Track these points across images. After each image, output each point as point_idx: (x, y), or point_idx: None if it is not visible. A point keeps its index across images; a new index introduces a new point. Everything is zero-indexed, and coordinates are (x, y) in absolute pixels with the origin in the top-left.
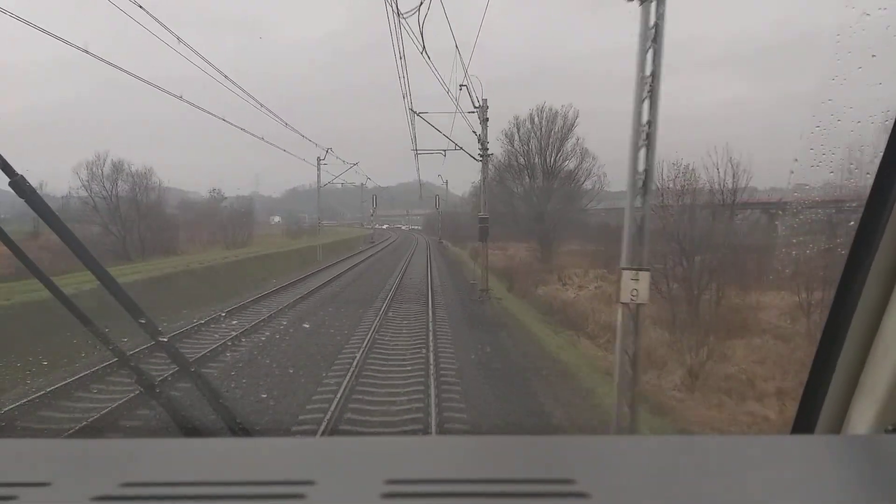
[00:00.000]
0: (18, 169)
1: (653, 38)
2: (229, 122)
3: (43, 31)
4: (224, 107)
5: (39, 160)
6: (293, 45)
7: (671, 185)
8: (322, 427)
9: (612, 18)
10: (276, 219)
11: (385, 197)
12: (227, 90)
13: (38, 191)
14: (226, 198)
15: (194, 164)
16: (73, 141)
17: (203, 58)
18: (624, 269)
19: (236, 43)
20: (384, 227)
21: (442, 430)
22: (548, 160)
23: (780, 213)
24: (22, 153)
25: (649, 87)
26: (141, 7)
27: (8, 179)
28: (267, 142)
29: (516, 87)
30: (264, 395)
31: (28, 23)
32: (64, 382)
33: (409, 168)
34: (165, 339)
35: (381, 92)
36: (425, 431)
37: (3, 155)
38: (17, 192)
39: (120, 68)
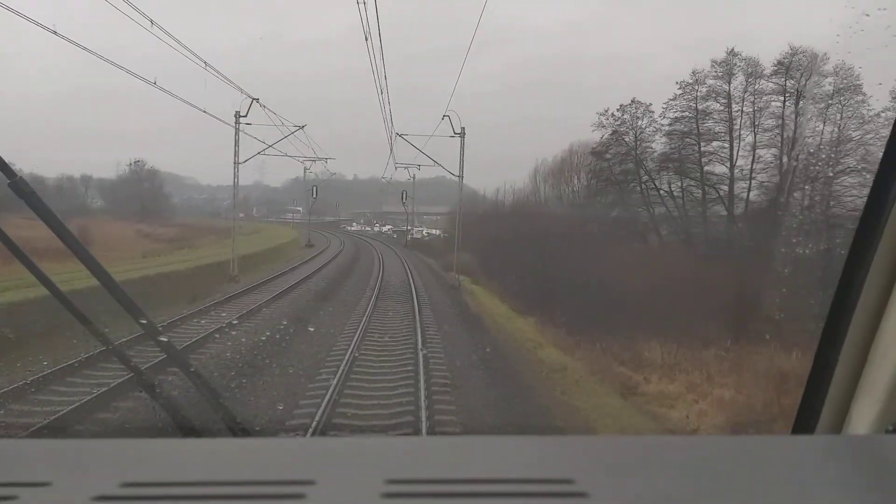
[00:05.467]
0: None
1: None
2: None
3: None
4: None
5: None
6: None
7: None
8: None
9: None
10: (253, 211)
11: (384, 192)
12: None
13: None
14: (154, 175)
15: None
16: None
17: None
18: None
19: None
20: (385, 228)
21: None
22: None
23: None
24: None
25: None
26: None
27: (7, 181)
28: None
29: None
30: None
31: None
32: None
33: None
34: (165, 339)
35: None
36: (424, 431)
37: (2, 157)
38: (16, 194)
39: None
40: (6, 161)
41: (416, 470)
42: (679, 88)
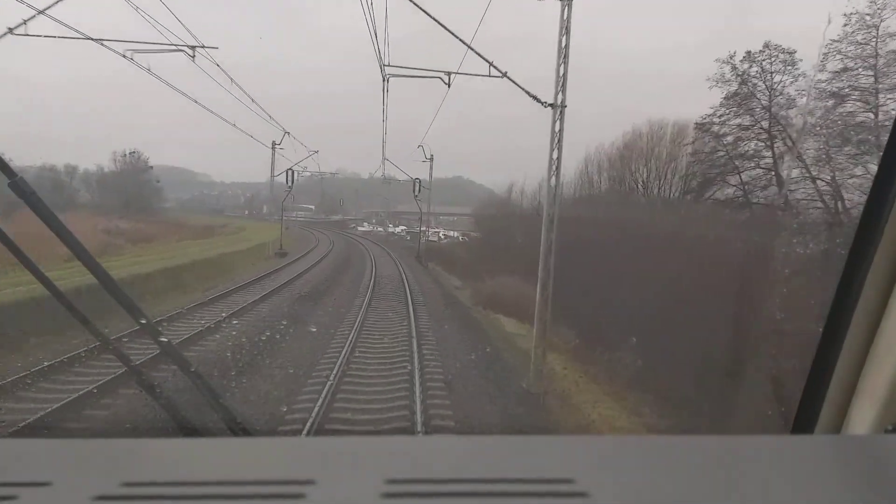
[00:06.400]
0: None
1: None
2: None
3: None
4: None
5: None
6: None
7: None
8: None
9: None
10: (264, 209)
11: (388, 181)
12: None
13: None
14: (150, 167)
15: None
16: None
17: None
18: None
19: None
20: (398, 229)
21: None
22: None
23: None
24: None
25: None
26: None
27: (7, 181)
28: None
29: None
30: None
31: None
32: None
33: (449, 162)
34: (165, 340)
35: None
36: (424, 431)
37: (2, 157)
38: (16, 194)
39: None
40: (6, 161)
41: (416, 469)
42: (846, 21)
